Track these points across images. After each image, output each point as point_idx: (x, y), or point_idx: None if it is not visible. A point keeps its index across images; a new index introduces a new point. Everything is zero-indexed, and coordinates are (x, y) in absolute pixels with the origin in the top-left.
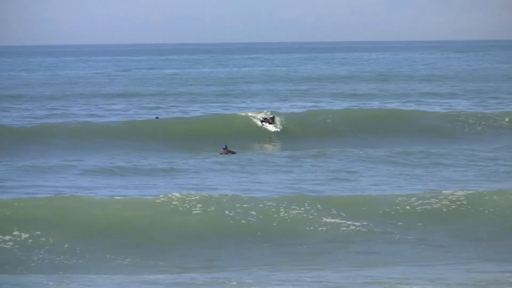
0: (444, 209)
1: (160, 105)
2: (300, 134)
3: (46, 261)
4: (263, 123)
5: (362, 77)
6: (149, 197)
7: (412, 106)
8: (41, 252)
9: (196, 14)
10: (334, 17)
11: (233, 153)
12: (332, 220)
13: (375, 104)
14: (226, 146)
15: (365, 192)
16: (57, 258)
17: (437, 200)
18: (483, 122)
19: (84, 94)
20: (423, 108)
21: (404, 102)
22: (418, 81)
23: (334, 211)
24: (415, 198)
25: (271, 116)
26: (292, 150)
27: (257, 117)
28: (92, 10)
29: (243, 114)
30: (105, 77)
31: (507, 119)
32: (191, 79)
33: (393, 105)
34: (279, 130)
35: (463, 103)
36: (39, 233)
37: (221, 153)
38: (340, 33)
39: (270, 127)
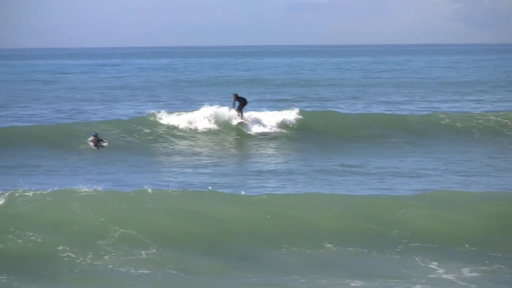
0: None
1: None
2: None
3: None
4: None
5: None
6: None
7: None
8: None
9: (92, 19)
10: (232, 21)
11: (103, 141)
12: None
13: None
14: (96, 133)
15: None
16: None
17: None
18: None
19: None
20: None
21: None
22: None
23: None
24: None
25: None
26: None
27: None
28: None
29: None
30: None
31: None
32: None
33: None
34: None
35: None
36: None
37: (91, 140)
38: (238, 37)
39: (237, 117)
